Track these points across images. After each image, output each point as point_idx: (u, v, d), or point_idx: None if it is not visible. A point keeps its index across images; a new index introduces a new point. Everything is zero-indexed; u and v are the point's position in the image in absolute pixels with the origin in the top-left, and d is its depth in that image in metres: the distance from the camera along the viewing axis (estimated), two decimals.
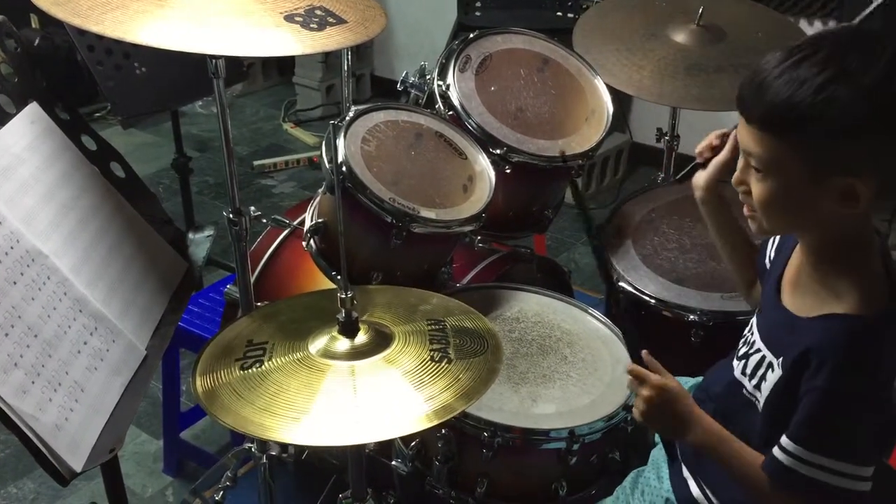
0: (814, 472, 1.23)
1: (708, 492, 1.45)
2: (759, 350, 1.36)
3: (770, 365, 1.32)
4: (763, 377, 1.33)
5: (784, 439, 1.26)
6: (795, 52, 1.16)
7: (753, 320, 1.44)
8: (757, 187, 1.25)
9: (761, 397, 1.34)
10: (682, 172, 1.64)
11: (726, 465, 1.35)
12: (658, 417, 1.39)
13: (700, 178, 1.61)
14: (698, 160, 1.63)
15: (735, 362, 1.43)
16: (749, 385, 1.37)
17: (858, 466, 1.23)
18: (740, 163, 1.28)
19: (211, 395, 1.28)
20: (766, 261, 1.50)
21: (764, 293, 1.44)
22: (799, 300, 1.33)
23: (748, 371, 1.37)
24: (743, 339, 1.45)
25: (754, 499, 1.33)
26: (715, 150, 1.60)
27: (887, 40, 1.16)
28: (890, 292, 1.25)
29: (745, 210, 1.32)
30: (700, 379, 1.62)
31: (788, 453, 1.25)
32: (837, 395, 1.21)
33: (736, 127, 1.46)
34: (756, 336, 1.39)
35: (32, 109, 1.54)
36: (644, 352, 1.44)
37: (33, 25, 4.36)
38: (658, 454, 1.60)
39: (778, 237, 1.47)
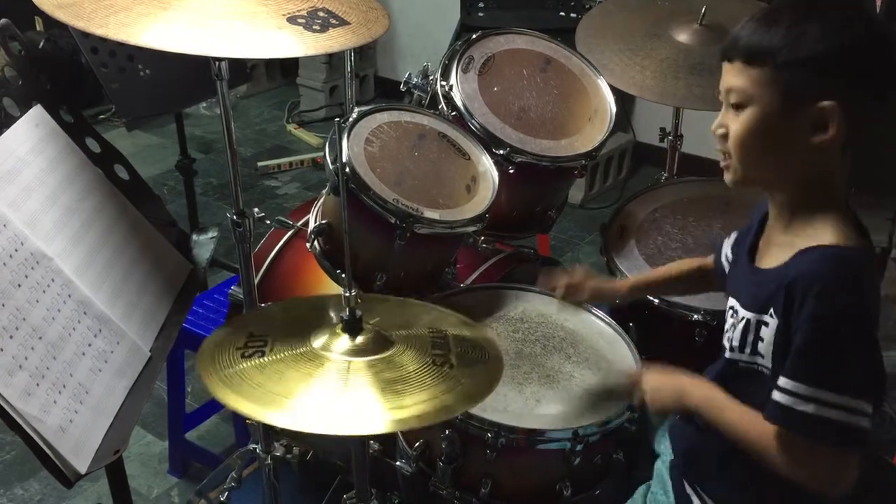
0: (812, 408, 1.23)
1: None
2: (742, 318, 1.37)
3: (760, 324, 1.33)
4: (758, 339, 1.34)
5: (780, 378, 1.27)
6: (772, 6, 1.31)
7: (728, 306, 1.46)
8: (735, 124, 1.32)
9: (765, 359, 1.33)
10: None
11: (728, 428, 1.36)
12: (662, 400, 1.49)
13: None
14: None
15: (724, 341, 1.45)
16: (745, 356, 1.37)
17: (857, 399, 1.23)
18: (722, 110, 1.36)
19: (213, 380, 1.29)
20: (723, 259, 1.57)
21: (736, 272, 1.49)
22: (774, 256, 1.36)
23: (736, 344, 1.38)
24: (724, 331, 1.47)
25: (760, 453, 1.32)
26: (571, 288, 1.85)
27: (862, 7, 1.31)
28: (859, 236, 1.32)
29: (721, 160, 1.38)
30: None
31: (785, 391, 1.26)
32: (825, 319, 1.23)
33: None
34: (737, 307, 1.40)
35: (36, 112, 1.54)
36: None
37: (38, 28, 4.37)
38: (661, 467, 1.60)
39: (734, 235, 1.56)
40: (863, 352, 1.25)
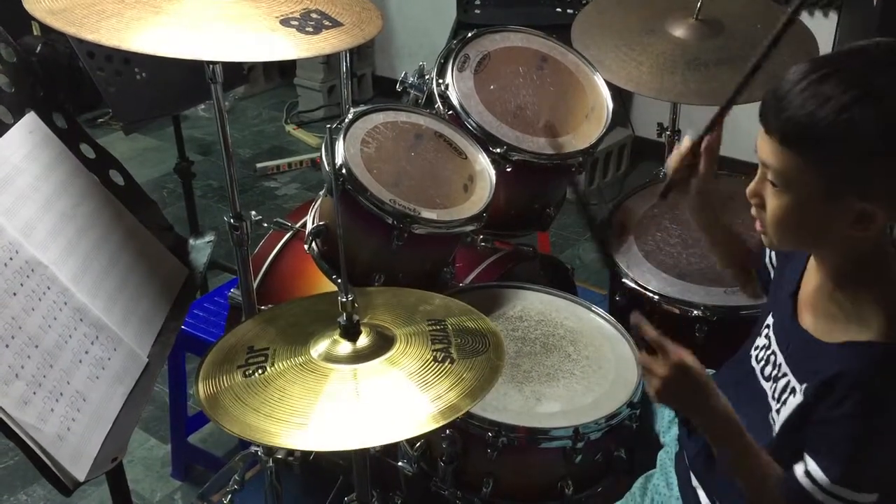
0: (830, 501, 1.21)
1: (718, 502, 1.44)
2: (785, 374, 1.32)
3: (793, 391, 1.29)
4: (785, 402, 1.30)
5: (813, 466, 1.22)
6: (822, 66, 1.14)
7: (770, 330, 1.40)
8: (772, 201, 1.23)
9: (778, 421, 1.31)
10: (664, 188, 1.62)
11: (737, 459, 1.30)
12: (676, 393, 1.31)
13: (689, 187, 1.58)
14: (673, 176, 1.59)
15: (764, 382, 1.38)
16: (774, 409, 1.33)
17: (871, 493, 1.21)
18: (758, 174, 1.26)
19: (215, 403, 1.28)
20: (768, 261, 1.50)
21: (777, 306, 1.41)
22: (822, 324, 1.30)
23: (776, 395, 1.33)
24: (763, 348, 1.41)
25: (753, 499, 1.31)
26: (690, 165, 1.56)
27: None
28: None
29: (757, 225, 1.30)
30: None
31: (811, 478, 1.22)
32: (869, 427, 1.18)
33: (703, 135, 1.47)
34: (781, 359, 1.35)
35: (30, 119, 1.54)
36: (635, 318, 1.37)
37: (35, 33, 4.37)
38: (665, 457, 1.59)
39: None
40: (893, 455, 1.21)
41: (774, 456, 1.29)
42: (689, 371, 1.29)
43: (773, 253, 1.50)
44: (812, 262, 1.34)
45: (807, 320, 1.33)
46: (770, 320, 1.41)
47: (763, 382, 1.38)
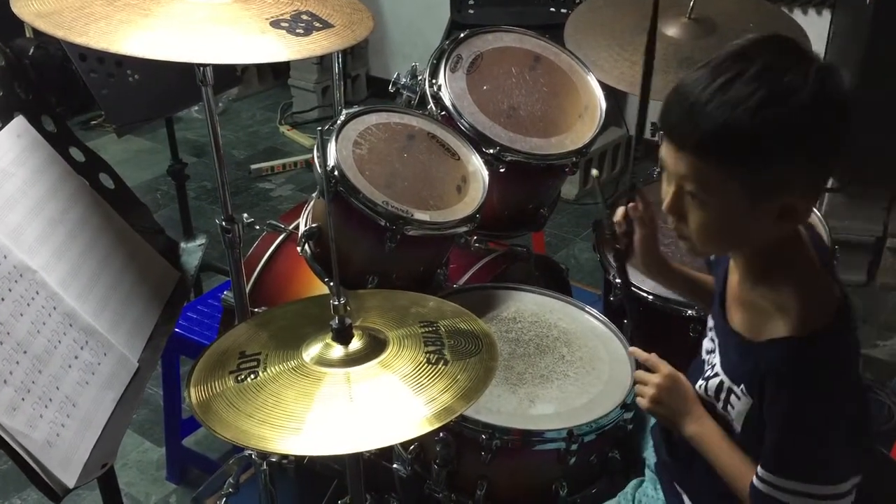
0: (792, 499, 1.23)
1: None
2: (717, 374, 1.35)
3: (731, 391, 1.31)
4: (728, 402, 1.33)
5: (759, 468, 1.26)
6: (722, 71, 1.13)
7: (713, 333, 1.42)
8: (695, 213, 1.22)
9: (735, 421, 1.33)
10: (610, 199, 1.63)
11: (718, 470, 1.35)
12: (665, 406, 1.41)
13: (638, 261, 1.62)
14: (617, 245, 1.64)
15: (701, 381, 1.41)
16: (718, 406, 1.36)
17: (835, 485, 1.22)
18: (670, 189, 1.24)
19: (207, 409, 1.27)
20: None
21: (713, 311, 1.44)
22: (746, 320, 1.32)
23: (711, 393, 1.37)
24: (705, 348, 1.45)
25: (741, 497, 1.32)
26: (626, 233, 1.60)
27: (808, 50, 1.16)
28: (832, 297, 1.25)
29: (677, 234, 1.30)
30: None
31: (764, 481, 1.25)
32: (799, 420, 1.21)
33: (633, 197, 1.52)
34: (717, 359, 1.38)
35: (18, 123, 1.53)
36: (631, 349, 1.48)
37: (28, 35, 4.36)
38: (651, 459, 1.60)
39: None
40: (841, 442, 1.23)
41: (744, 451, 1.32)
42: (679, 380, 1.41)
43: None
44: (732, 262, 1.37)
45: (735, 319, 1.35)
46: (711, 322, 1.44)
47: (700, 381, 1.41)
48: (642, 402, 1.44)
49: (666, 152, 1.21)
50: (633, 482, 1.62)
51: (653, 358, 1.45)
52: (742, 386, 1.28)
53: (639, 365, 1.49)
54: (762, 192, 1.17)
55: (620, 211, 1.60)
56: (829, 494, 1.22)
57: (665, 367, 1.42)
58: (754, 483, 1.27)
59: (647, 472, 1.61)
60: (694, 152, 1.16)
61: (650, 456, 1.61)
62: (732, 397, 1.31)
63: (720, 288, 1.41)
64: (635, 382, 1.48)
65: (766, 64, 1.12)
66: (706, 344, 1.45)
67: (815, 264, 1.28)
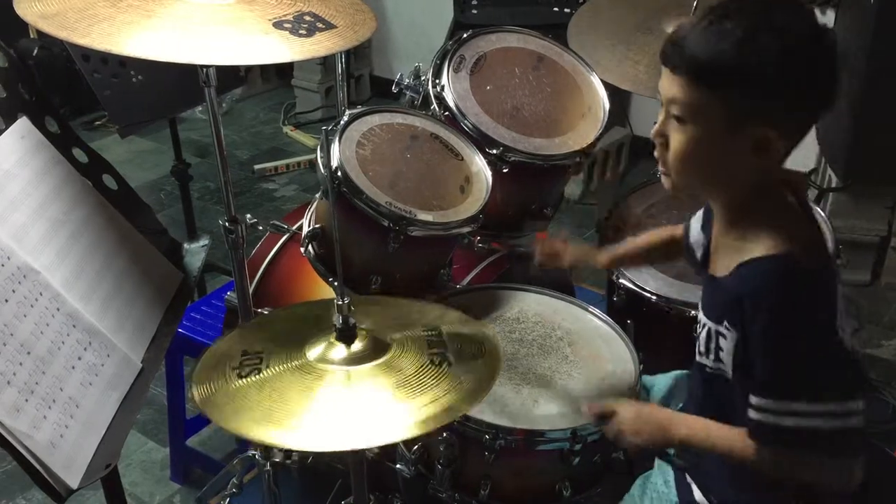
0: (792, 421, 1.22)
1: (711, 495, 1.44)
2: (703, 325, 1.36)
3: (718, 334, 1.31)
4: (718, 347, 1.32)
5: (752, 398, 1.25)
6: (719, 10, 1.21)
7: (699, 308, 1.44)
8: (676, 136, 1.28)
9: (727, 367, 1.32)
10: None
11: (718, 451, 1.34)
12: (644, 432, 1.42)
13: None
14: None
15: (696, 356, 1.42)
16: (709, 361, 1.36)
17: (839, 403, 1.21)
18: (661, 115, 1.31)
19: (210, 404, 1.28)
20: (690, 240, 1.55)
21: (698, 271, 1.49)
22: (722, 263, 1.34)
23: (702, 349, 1.37)
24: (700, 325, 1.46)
25: (762, 472, 1.30)
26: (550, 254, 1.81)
27: (807, 7, 1.23)
28: (811, 234, 1.29)
29: (659, 167, 1.35)
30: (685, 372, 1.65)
31: (760, 409, 1.24)
32: (778, 335, 1.21)
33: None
34: (700, 314, 1.39)
35: (22, 124, 1.53)
36: (583, 411, 1.53)
37: (32, 36, 4.36)
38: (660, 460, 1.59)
39: (700, 213, 1.52)
40: (824, 356, 1.23)
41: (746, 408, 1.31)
42: (635, 404, 1.49)
43: (690, 238, 1.55)
44: (715, 216, 1.40)
45: (713, 267, 1.39)
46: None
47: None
48: (625, 443, 1.45)
49: (662, 80, 1.28)
50: (639, 479, 1.62)
51: (600, 406, 1.49)
52: (725, 322, 1.29)
53: (598, 422, 1.51)
54: (740, 119, 1.22)
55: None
56: (837, 412, 1.21)
57: (616, 405, 1.46)
58: (750, 416, 1.25)
59: (656, 464, 1.60)
60: (685, 74, 1.23)
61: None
62: (720, 340, 1.31)
63: (706, 246, 1.45)
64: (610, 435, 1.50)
65: (764, 5, 1.21)
66: (698, 327, 1.44)
67: (795, 210, 1.31)
